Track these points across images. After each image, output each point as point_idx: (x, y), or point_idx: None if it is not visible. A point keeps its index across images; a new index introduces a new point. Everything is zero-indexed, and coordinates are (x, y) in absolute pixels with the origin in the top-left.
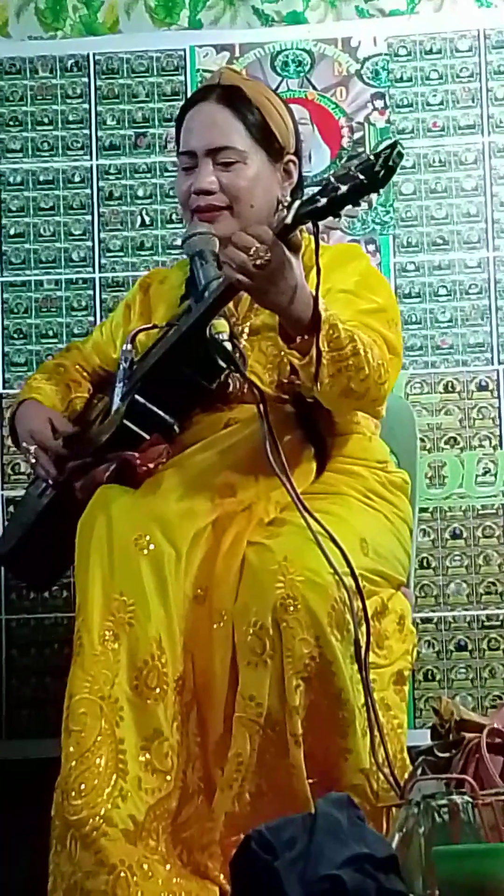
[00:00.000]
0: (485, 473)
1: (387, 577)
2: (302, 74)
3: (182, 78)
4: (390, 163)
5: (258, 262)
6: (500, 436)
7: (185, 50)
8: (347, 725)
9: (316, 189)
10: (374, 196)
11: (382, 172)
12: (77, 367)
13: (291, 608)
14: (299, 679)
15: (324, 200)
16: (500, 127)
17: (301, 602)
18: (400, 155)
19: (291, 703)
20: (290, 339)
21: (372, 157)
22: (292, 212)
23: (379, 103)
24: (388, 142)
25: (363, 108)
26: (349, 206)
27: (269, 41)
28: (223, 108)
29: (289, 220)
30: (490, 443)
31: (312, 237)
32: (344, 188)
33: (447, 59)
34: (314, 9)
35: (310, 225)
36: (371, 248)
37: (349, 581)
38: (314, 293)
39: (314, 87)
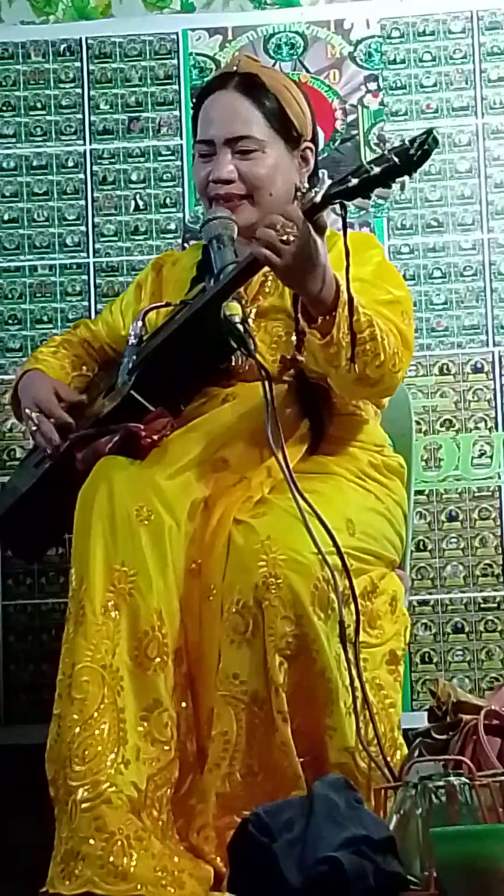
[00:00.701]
0: (480, 455)
1: (376, 555)
2: (295, 57)
3: (175, 61)
4: (426, 146)
5: (285, 238)
6: (496, 418)
7: (177, 33)
8: (331, 704)
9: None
10: (407, 179)
11: (418, 156)
12: (84, 343)
13: (273, 587)
14: (282, 657)
15: (355, 181)
16: (493, 108)
17: (283, 581)
18: (435, 140)
19: (276, 681)
20: (311, 319)
21: (408, 142)
22: (322, 190)
23: (372, 85)
24: (425, 128)
25: (356, 90)
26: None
27: (261, 24)
28: (241, 96)
29: (318, 199)
30: (485, 425)
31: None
32: (377, 170)
33: (440, 41)
34: None
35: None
36: (365, 230)
37: (334, 560)
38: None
39: (307, 70)
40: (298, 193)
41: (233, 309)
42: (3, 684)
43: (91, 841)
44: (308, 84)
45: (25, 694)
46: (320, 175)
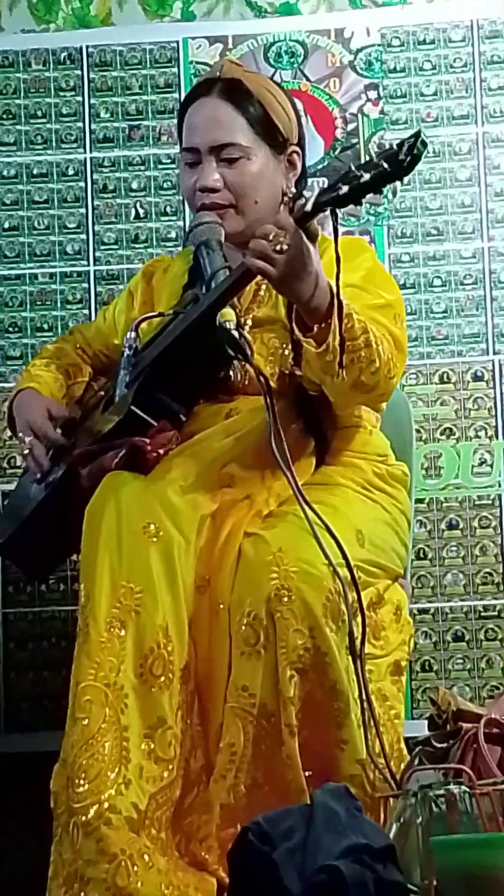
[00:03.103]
0: (481, 464)
1: (383, 567)
2: (295, 66)
3: (175, 70)
4: (415, 151)
5: (278, 247)
6: (496, 426)
7: (178, 42)
8: (343, 716)
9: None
10: (398, 184)
11: (407, 161)
12: (78, 350)
13: (285, 599)
14: (293, 670)
15: (345, 188)
16: (493, 117)
17: (295, 593)
18: (424, 144)
19: (286, 694)
20: (306, 328)
21: (395, 147)
22: (312, 199)
23: (372, 94)
24: (412, 131)
25: (357, 98)
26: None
27: (262, 32)
28: (225, 102)
29: (308, 207)
30: (486, 433)
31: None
32: (367, 176)
33: (440, 50)
34: (307, 0)
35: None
36: (366, 239)
37: (344, 572)
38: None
39: (308, 79)
40: (286, 198)
41: (227, 315)
42: (4, 692)
43: (95, 864)
44: (308, 93)
45: (26, 702)
46: (309, 181)
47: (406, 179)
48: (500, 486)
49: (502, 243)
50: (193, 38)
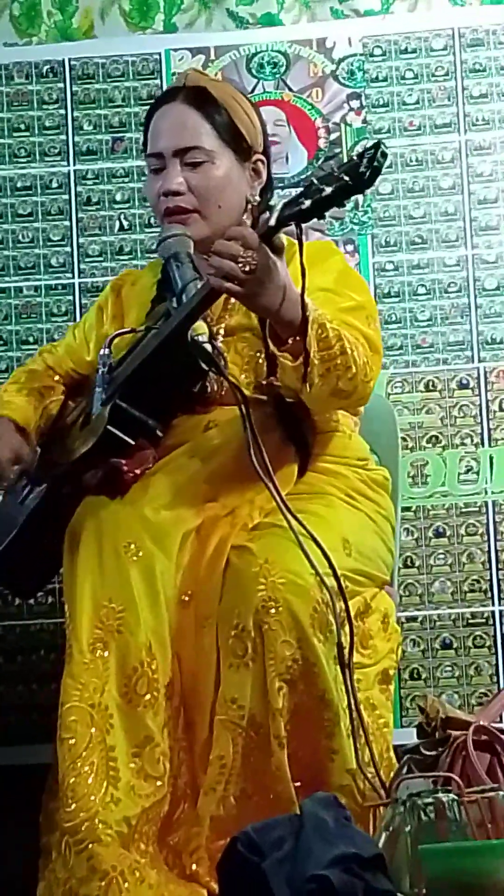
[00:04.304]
0: (467, 471)
1: (370, 576)
2: (278, 76)
3: (158, 82)
4: (375, 163)
5: (247, 268)
6: (482, 433)
7: (160, 54)
8: (333, 726)
9: (297, 190)
10: (360, 197)
11: (368, 173)
12: (49, 371)
13: (273, 610)
14: (282, 681)
15: (308, 202)
16: (476, 125)
17: (283, 604)
18: (384, 155)
19: (275, 706)
20: (280, 341)
21: (356, 158)
22: (276, 214)
23: (355, 103)
24: (371, 142)
25: (339, 108)
26: (333, 208)
27: (244, 43)
28: (190, 108)
29: (272, 222)
30: (472, 441)
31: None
32: (329, 189)
33: (422, 58)
34: (289, 10)
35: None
36: (349, 248)
37: (331, 582)
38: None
39: (290, 89)
40: (251, 206)
41: (199, 329)
42: None
43: (87, 882)
44: (291, 103)
45: (15, 715)
46: (287, 191)
47: (389, 188)
48: (486, 493)
49: (486, 251)
50: (176, 50)
